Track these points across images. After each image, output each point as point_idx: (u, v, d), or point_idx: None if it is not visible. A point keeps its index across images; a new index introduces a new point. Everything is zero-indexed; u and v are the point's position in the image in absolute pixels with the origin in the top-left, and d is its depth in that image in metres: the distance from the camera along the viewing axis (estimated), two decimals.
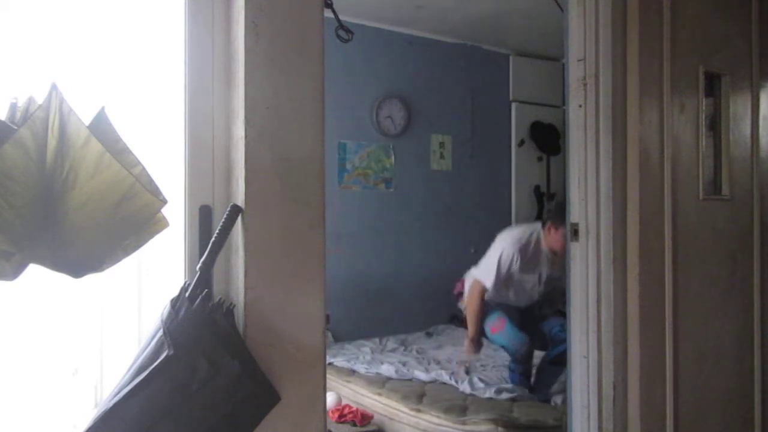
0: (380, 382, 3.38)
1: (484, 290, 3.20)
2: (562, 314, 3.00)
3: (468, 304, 3.26)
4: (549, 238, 3.11)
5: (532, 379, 3.27)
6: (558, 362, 2.98)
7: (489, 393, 3.15)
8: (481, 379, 3.35)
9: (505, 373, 3.44)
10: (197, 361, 1.14)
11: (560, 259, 2.90)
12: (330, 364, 3.71)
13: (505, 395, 3.12)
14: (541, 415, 2.89)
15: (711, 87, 2.49)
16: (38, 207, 1.06)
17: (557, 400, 3.09)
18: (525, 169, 5.46)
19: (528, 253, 3.13)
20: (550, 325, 3.23)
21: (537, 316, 3.29)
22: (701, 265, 2.37)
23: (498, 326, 3.18)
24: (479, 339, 3.29)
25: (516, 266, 3.13)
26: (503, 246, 3.17)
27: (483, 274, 3.22)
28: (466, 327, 4.65)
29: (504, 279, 3.14)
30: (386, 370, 3.57)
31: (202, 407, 1.15)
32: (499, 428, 2.72)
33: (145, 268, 1.55)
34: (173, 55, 1.37)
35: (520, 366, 3.19)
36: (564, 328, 2.95)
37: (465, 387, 3.25)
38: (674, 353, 2.22)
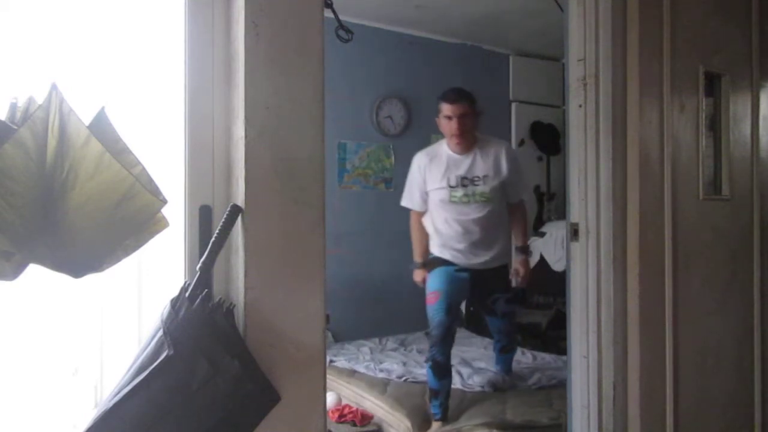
0: (382, 385, 3.38)
1: (417, 214, 3.11)
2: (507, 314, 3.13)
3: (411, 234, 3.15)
4: (442, 128, 2.99)
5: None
6: (507, 350, 3.30)
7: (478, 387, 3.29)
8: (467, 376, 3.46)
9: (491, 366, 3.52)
10: (197, 361, 1.14)
11: (457, 140, 2.88)
12: (331, 362, 3.71)
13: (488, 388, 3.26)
14: (536, 415, 2.88)
15: (711, 87, 2.49)
16: (38, 207, 1.06)
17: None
18: (525, 169, 5.45)
19: (431, 156, 3.01)
20: (492, 325, 3.24)
21: (488, 308, 3.15)
22: (701, 265, 2.37)
23: (431, 299, 2.96)
24: (426, 266, 3.08)
25: (424, 173, 2.98)
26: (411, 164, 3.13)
27: (406, 199, 3.13)
28: (466, 327, 4.70)
29: (423, 194, 3.01)
30: (386, 372, 3.56)
31: (202, 407, 1.15)
32: (494, 431, 2.72)
33: (145, 268, 1.55)
34: (173, 55, 1.37)
35: (434, 350, 2.88)
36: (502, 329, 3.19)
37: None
38: (674, 353, 2.22)
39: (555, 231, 4.80)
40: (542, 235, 4.97)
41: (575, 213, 2.19)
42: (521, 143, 5.43)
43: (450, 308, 2.90)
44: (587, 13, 2.14)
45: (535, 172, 5.52)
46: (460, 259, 2.97)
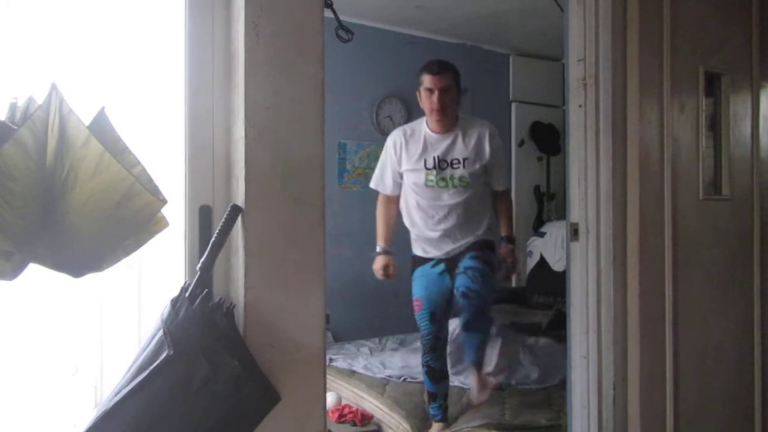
0: (381, 386, 3.37)
1: (385, 197, 2.88)
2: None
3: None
4: (422, 103, 2.74)
5: (450, 348, 3.02)
6: (471, 329, 2.77)
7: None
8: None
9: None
10: (197, 361, 1.14)
11: (438, 116, 2.65)
12: (330, 360, 3.71)
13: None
14: (536, 416, 2.88)
15: (711, 87, 2.49)
16: (38, 207, 1.06)
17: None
18: (525, 169, 5.46)
19: (408, 134, 2.76)
20: (456, 283, 2.73)
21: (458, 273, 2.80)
22: (701, 265, 2.37)
23: (416, 306, 2.82)
24: (389, 255, 2.90)
25: (400, 152, 2.74)
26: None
27: (376, 180, 2.89)
28: None
29: (397, 175, 2.80)
30: (385, 371, 3.55)
31: (202, 407, 1.15)
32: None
33: (145, 268, 1.55)
34: (173, 55, 1.37)
35: (427, 356, 2.80)
36: (462, 297, 2.64)
37: None
38: (674, 353, 2.22)
39: (555, 231, 4.80)
40: (542, 235, 4.97)
41: (575, 213, 2.19)
42: (521, 143, 5.44)
43: (434, 315, 2.76)
44: (587, 13, 2.14)
45: (535, 172, 5.52)
46: (432, 252, 2.79)
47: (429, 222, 2.75)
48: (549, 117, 5.51)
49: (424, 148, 2.71)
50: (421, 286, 2.81)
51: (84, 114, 1.09)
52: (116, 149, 1.13)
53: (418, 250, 2.86)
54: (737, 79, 2.55)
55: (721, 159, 2.53)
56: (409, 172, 2.75)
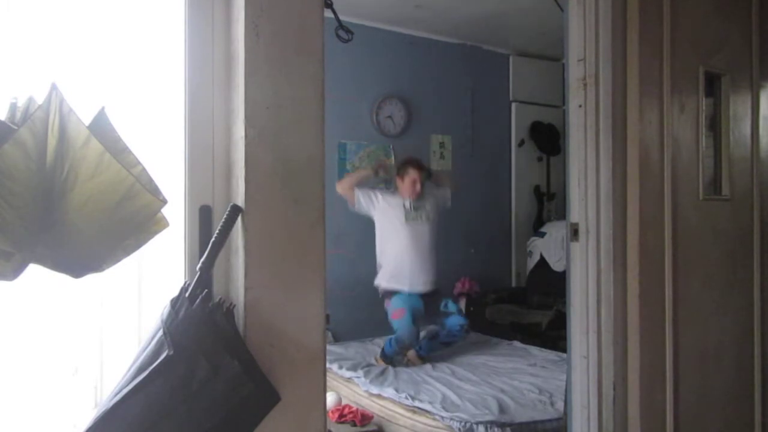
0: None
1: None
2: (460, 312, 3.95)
3: (344, 182, 3.99)
4: (401, 189, 3.91)
5: (421, 343, 3.88)
6: (445, 344, 3.86)
7: None
8: None
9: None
10: (197, 361, 1.14)
11: (416, 196, 3.86)
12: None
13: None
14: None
15: (711, 87, 2.49)
16: (38, 207, 1.06)
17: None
18: (525, 169, 5.46)
19: (386, 193, 4.02)
20: (451, 321, 3.82)
21: (441, 313, 3.88)
22: (701, 265, 2.37)
23: (398, 314, 3.72)
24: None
25: (384, 195, 3.94)
26: None
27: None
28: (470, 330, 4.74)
29: (374, 198, 3.92)
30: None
31: (202, 407, 1.15)
32: (495, 429, 2.72)
33: (145, 268, 1.55)
34: (173, 55, 1.37)
35: (399, 347, 3.75)
36: (460, 329, 3.78)
37: None
38: (674, 353, 2.22)
39: (555, 231, 4.80)
40: (542, 235, 4.97)
41: (575, 213, 2.19)
42: (521, 143, 5.44)
43: (414, 319, 3.71)
44: (587, 13, 2.14)
45: (535, 172, 5.52)
46: (407, 285, 3.79)
47: (407, 252, 3.82)
48: (549, 117, 5.51)
49: (404, 201, 3.91)
50: (402, 301, 3.76)
51: (84, 114, 1.09)
52: (116, 149, 1.13)
53: (393, 285, 3.84)
54: (737, 79, 2.55)
55: (721, 159, 2.53)
56: (392, 211, 3.88)
